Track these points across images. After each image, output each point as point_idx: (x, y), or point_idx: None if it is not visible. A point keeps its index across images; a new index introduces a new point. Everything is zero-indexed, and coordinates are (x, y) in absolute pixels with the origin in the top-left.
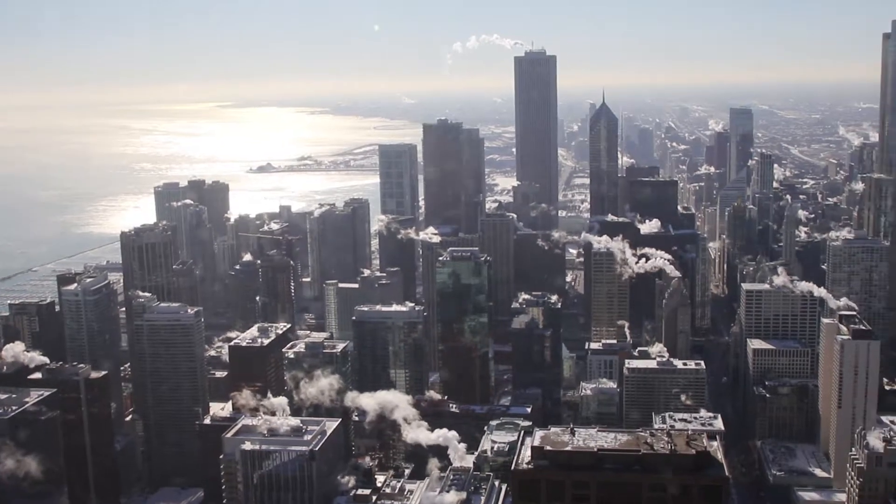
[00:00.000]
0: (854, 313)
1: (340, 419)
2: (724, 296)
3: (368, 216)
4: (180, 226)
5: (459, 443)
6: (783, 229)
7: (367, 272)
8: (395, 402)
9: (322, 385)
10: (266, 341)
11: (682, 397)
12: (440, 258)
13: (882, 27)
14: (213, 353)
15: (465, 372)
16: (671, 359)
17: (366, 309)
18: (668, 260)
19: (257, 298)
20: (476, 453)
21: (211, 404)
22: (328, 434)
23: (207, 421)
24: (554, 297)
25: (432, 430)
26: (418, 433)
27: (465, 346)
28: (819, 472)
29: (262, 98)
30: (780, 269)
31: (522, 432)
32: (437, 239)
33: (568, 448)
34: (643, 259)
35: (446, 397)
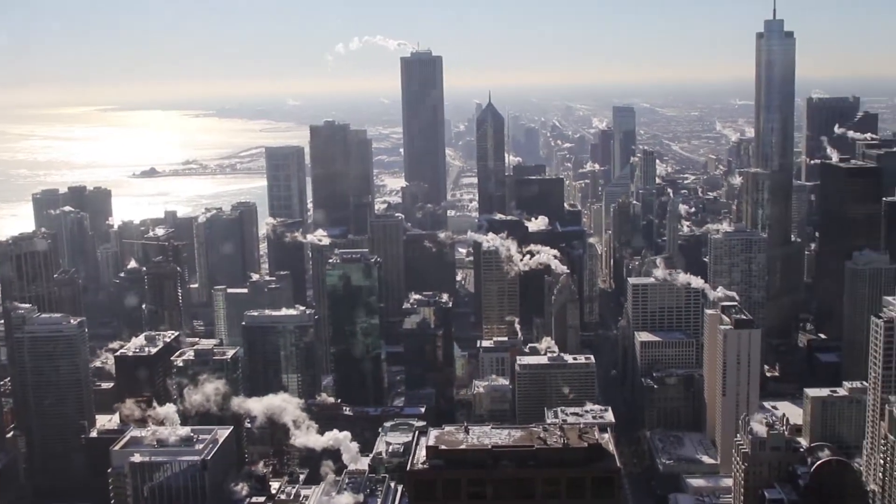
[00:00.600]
0: (735, 303)
1: (232, 427)
2: (612, 290)
3: (256, 220)
4: (61, 234)
5: (353, 444)
6: (666, 224)
7: (256, 276)
8: (282, 406)
9: (207, 391)
10: (153, 350)
11: (566, 390)
12: (330, 261)
13: (755, 27)
14: (98, 363)
15: (357, 374)
16: (561, 354)
17: (256, 314)
18: (555, 255)
19: (143, 306)
20: (371, 455)
21: (98, 417)
22: (220, 442)
23: (94, 434)
24: (445, 297)
25: (324, 434)
26: (308, 437)
27: (357, 348)
28: (706, 459)
29: (145, 101)
30: (658, 262)
31: (417, 433)
32: (326, 241)
33: (462, 446)
34: (528, 256)
35: (339, 400)
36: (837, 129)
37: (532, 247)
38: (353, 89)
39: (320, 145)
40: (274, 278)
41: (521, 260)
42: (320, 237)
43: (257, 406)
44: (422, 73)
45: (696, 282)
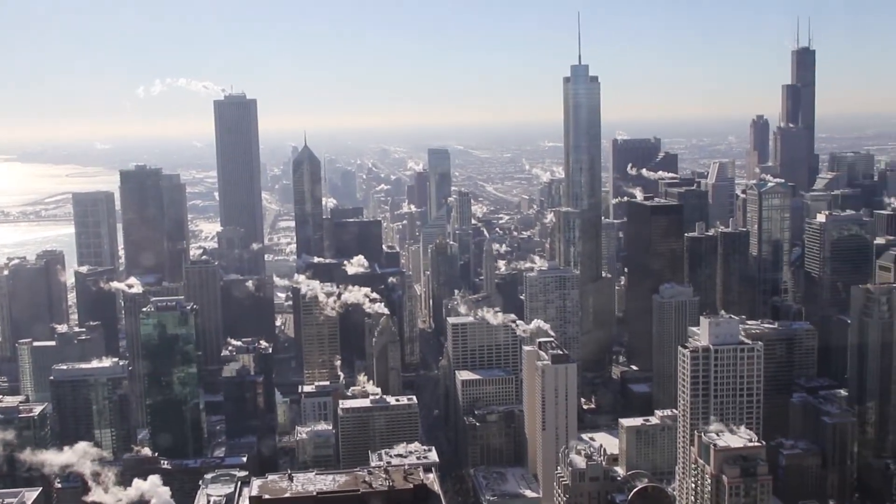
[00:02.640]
0: (551, 339)
1: (41, 488)
2: (432, 330)
3: (64, 268)
4: None
5: (163, 488)
6: (483, 263)
7: (64, 328)
8: (78, 460)
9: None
10: None
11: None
12: (144, 309)
13: (563, 71)
14: None
15: (175, 425)
16: (384, 396)
17: (65, 367)
18: (366, 295)
19: None
20: None
21: None
22: None
23: None
24: (264, 343)
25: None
26: (107, 496)
27: (174, 398)
28: (529, 493)
29: None
30: (461, 302)
31: (239, 483)
32: (139, 289)
33: (287, 495)
34: (337, 297)
35: (157, 453)
36: (644, 171)
37: (349, 288)
38: (165, 133)
39: (131, 190)
40: (84, 329)
41: (335, 301)
42: (133, 285)
43: (56, 460)
44: (236, 116)
45: (494, 319)
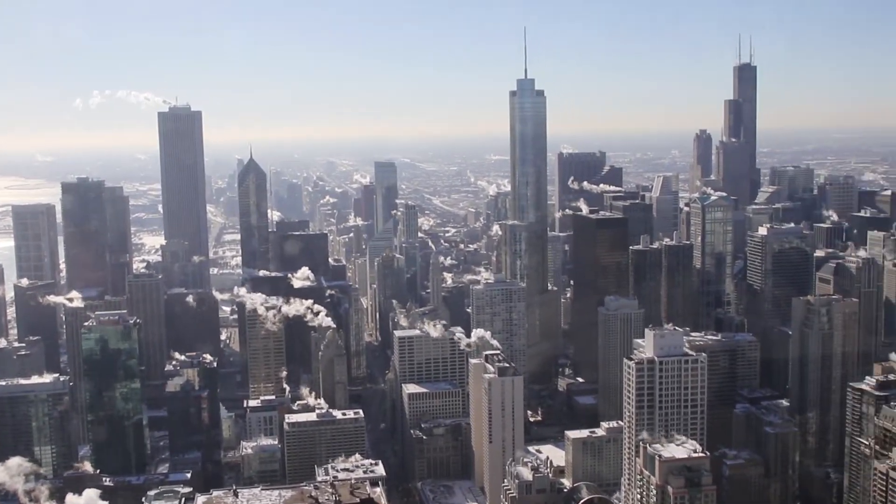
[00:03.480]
0: (498, 352)
1: None
2: (379, 343)
3: (3, 282)
4: None
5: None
6: (430, 276)
7: (2, 343)
8: (10, 478)
9: None
10: None
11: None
12: (86, 323)
13: (509, 85)
14: None
15: (118, 442)
16: (330, 410)
17: (3, 383)
18: (308, 307)
19: None
20: None
21: None
22: None
23: None
24: (209, 357)
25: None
26: None
27: (117, 414)
28: None
29: None
30: (396, 306)
31: (183, 499)
32: (81, 303)
33: None
34: (277, 310)
35: (98, 470)
36: (589, 185)
37: (291, 300)
38: (109, 145)
39: (73, 203)
40: (24, 344)
41: (270, 315)
42: (74, 299)
43: None
44: (180, 128)
45: (434, 332)
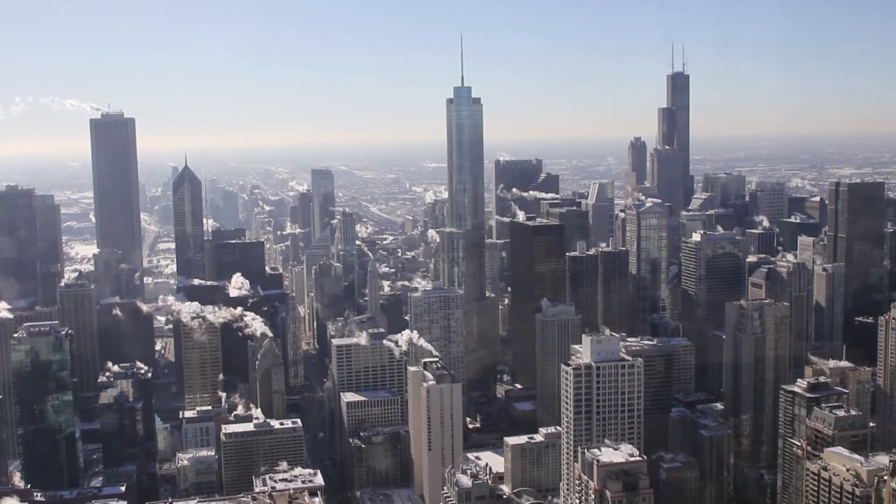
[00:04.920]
0: (436, 359)
1: None
2: (316, 352)
3: None
4: None
5: None
6: (367, 284)
7: None
8: None
9: None
10: None
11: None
12: (15, 335)
13: (446, 93)
14: None
15: (49, 456)
16: (268, 419)
17: None
18: (241, 315)
19: None
20: None
21: None
22: None
23: None
24: (143, 368)
25: None
26: None
27: (48, 427)
28: None
29: None
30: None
31: None
32: (9, 314)
33: None
34: (202, 320)
35: (29, 485)
36: (526, 192)
37: (222, 308)
38: (40, 152)
39: (1, 211)
40: None
41: (195, 324)
42: (3, 310)
43: None
44: (113, 136)
45: (364, 340)
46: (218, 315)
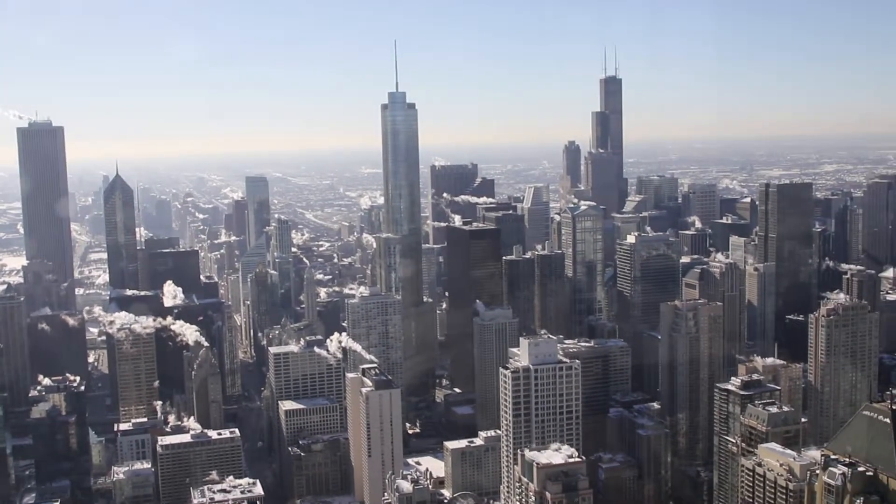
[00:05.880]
0: (374, 365)
1: None
2: (254, 361)
3: None
4: None
5: None
6: (304, 291)
7: None
8: None
9: None
10: None
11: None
12: None
13: (380, 98)
14: None
15: None
16: (205, 430)
17: None
18: (167, 326)
19: None
20: None
21: None
22: None
23: None
24: (76, 380)
25: None
26: None
27: None
28: None
29: None
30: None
31: None
32: None
33: None
34: (128, 330)
35: None
36: (461, 196)
37: (157, 320)
38: None
39: None
40: None
41: (121, 334)
42: None
43: None
44: (41, 144)
45: (296, 348)
46: (147, 325)
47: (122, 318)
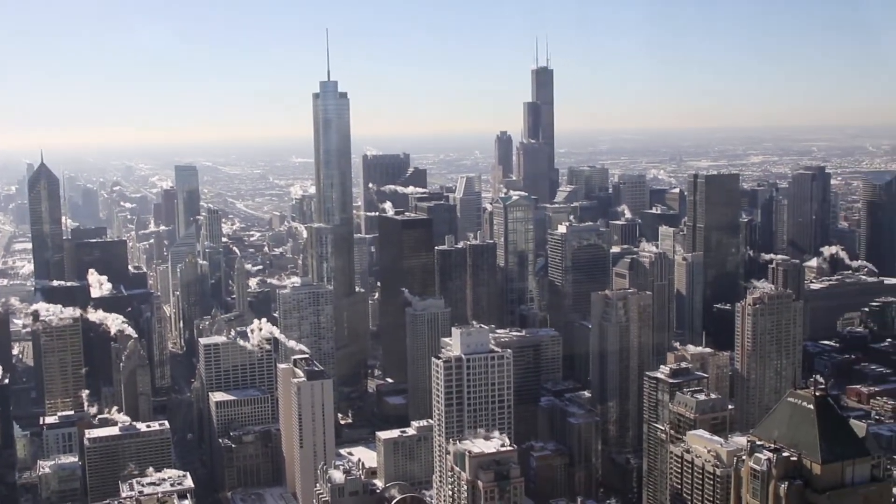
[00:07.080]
0: (307, 356)
1: None
2: (183, 352)
3: None
4: None
5: None
6: (235, 281)
7: None
8: None
9: None
10: None
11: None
12: None
13: (312, 87)
14: None
15: None
16: (133, 422)
17: None
18: (107, 317)
19: None
20: None
21: None
22: None
23: None
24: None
25: None
26: None
27: None
28: None
29: None
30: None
31: None
32: None
33: None
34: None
35: None
36: (394, 186)
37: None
38: None
39: None
40: None
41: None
42: None
43: None
44: None
45: (220, 339)
46: (64, 317)
47: (44, 308)
